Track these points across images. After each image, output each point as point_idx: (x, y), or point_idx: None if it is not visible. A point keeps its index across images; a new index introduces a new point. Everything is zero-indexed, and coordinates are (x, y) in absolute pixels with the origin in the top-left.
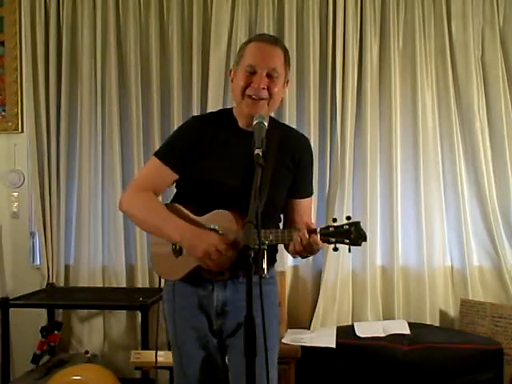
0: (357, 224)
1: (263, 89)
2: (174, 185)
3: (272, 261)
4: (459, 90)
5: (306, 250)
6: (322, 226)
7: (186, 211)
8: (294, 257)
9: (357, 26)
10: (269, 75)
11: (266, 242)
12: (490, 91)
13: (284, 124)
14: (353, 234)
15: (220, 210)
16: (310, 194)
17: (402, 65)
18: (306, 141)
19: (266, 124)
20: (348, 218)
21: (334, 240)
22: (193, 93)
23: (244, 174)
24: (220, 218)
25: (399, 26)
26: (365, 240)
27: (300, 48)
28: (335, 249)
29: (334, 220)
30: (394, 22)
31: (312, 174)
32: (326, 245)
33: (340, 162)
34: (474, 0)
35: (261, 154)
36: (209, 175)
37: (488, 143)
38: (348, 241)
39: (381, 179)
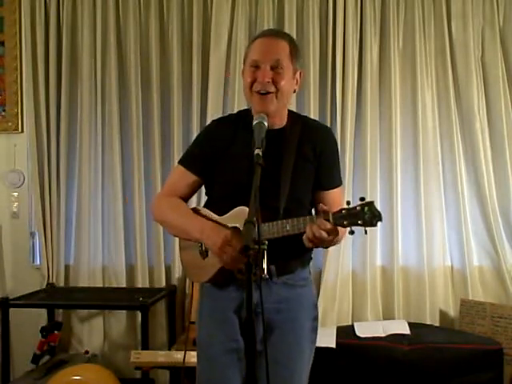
0: (370, 204)
1: (268, 82)
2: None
3: (301, 257)
4: (459, 90)
5: (319, 240)
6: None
7: (209, 212)
8: (308, 246)
9: (357, 26)
10: (273, 68)
11: (266, 242)
12: (490, 91)
13: (306, 116)
14: (367, 215)
15: (240, 207)
16: (337, 184)
17: (401, 65)
18: (328, 131)
19: (266, 124)
20: (362, 198)
21: (347, 223)
22: (193, 93)
23: (262, 172)
24: (241, 215)
25: (399, 26)
26: (380, 220)
27: (300, 48)
28: (351, 232)
29: (348, 203)
30: (394, 22)
31: (338, 163)
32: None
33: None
34: (474, 0)
35: (260, 153)
36: (229, 176)
37: (488, 143)
38: (362, 222)
39: (381, 179)
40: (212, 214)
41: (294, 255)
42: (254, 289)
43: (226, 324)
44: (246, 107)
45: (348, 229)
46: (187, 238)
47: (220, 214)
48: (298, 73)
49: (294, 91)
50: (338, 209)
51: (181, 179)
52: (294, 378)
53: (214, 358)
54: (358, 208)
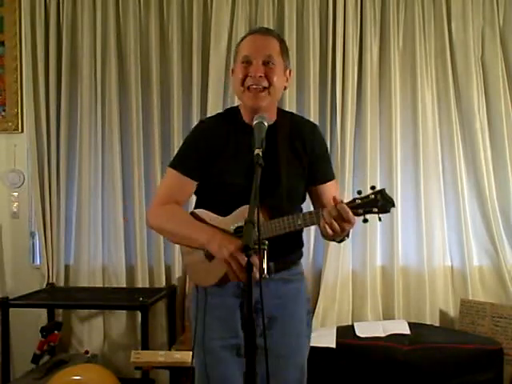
0: (382, 191)
1: (261, 77)
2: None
3: (295, 253)
4: (459, 89)
5: (339, 224)
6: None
7: (211, 214)
8: (327, 239)
9: (357, 26)
10: (265, 63)
11: (266, 242)
12: (490, 91)
13: (292, 112)
14: (380, 202)
15: (245, 206)
16: (332, 177)
17: (401, 65)
18: (315, 126)
19: (266, 124)
20: (372, 187)
21: (362, 211)
22: (193, 92)
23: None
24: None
25: (399, 26)
26: (393, 205)
27: (300, 48)
28: (365, 220)
29: (359, 192)
30: (394, 22)
31: (329, 158)
32: (326, 244)
33: (340, 162)
34: (474, 0)
35: (261, 154)
36: (227, 177)
37: (488, 143)
38: (376, 209)
39: (381, 179)
40: (214, 215)
41: (290, 252)
42: (254, 286)
43: (226, 320)
44: None
45: (361, 217)
46: (191, 245)
47: (220, 214)
48: (288, 71)
49: (285, 88)
50: (351, 199)
51: (177, 185)
52: (297, 369)
53: (215, 355)
54: (371, 196)
